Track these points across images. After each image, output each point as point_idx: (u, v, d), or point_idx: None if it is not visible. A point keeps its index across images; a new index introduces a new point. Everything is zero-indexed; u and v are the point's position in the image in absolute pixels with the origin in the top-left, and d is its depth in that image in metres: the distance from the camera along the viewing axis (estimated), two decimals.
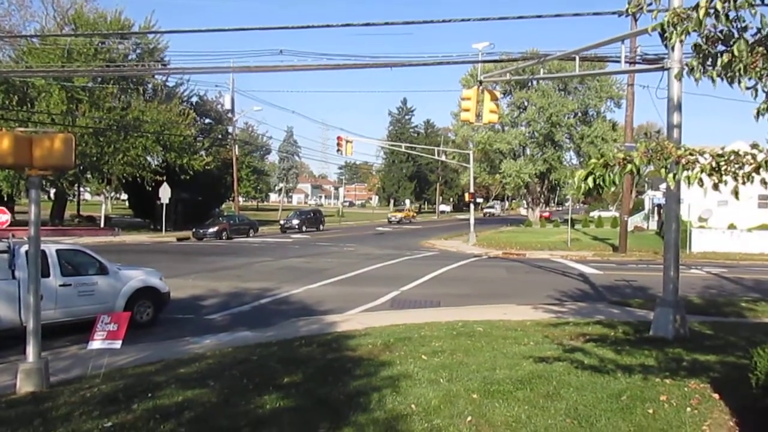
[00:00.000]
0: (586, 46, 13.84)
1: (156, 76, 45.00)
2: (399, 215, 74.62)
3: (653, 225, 50.85)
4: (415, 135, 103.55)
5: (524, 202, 78.40)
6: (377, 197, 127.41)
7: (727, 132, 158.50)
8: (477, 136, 60.08)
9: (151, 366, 8.63)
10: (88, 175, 43.94)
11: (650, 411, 6.20)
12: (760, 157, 3.97)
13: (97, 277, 11.61)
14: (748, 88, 4.10)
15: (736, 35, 3.97)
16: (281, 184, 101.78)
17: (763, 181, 3.95)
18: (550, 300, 15.70)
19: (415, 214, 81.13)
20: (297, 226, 48.43)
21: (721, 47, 4.18)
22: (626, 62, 14.92)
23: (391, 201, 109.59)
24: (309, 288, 17.56)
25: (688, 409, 6.31)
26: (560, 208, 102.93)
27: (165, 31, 49.15)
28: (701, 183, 3.99)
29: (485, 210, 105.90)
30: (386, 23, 16.39)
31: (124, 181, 43.82)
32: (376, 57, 29.42)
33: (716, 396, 6.75)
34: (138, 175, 40.21)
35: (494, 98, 19.32)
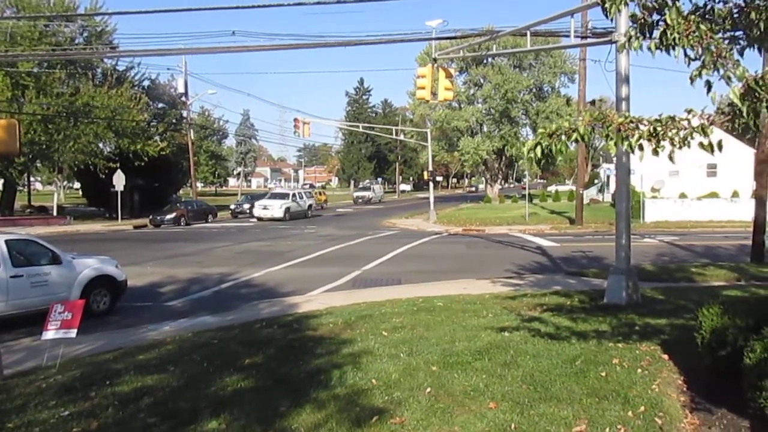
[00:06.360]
0: (537, 21, 13.98)
1: (105, 60, 43.62)
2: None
3: (608, 197, 52.01)
4: (373, 115, 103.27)
5: (482, 178, 78.49)
6: (337, 179, 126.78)
7: (682, 104, 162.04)
8: (434, 115, 60.27)
9: (109, 354, 8.51)
10: (38, 164, 42.63)
11: (603, 374, 6.41)
12: (695, 122, 4.11)
13: (50, 267, 11.34)
14: (683, 57, 4.21)
15: (670, 3, 4.08)
16: (239, 169, 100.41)
17: (700, 145, 4.09)
18: (509, 273, 15.98)
19: (326, 199, 63.44)
20: (248, 211, 46.39)
21: (656, 16, 4.29)
22: (576, 36, 15.12)
23: (351, 182, 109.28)
24: (270, 271, 17.48)
25: (639, 370, 6.54)
26: (518, 184, 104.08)
27: (113, 13, 47.81)
28: (641, 148, 4.12)
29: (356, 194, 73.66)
30: (338, 2, 16.17)
31: (76, 169, 42.65)
32: (329, 36, 29.19)
33: (666, 357, 7.02)
34: (90, 162, 39.09)
35: (449, 75, 19.40)
